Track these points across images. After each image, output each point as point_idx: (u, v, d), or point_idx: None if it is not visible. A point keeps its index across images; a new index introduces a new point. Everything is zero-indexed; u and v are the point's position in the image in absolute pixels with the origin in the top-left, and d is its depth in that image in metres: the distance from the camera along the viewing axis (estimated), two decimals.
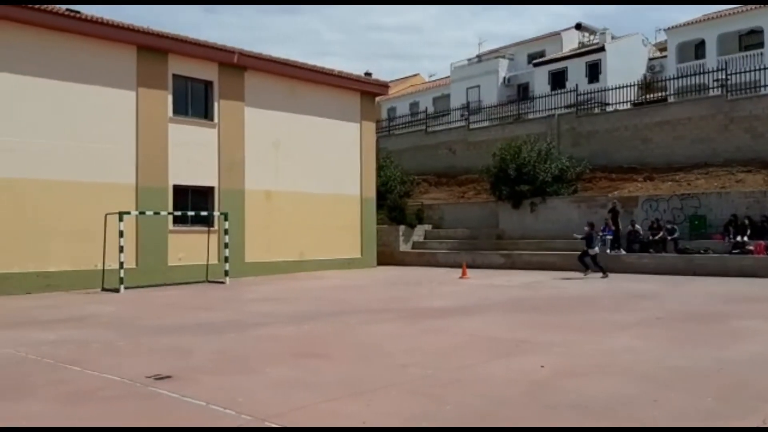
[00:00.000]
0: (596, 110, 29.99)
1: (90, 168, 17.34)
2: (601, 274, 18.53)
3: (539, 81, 37.06)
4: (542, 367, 6.96)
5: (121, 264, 16.49)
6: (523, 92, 38.36)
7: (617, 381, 6.38)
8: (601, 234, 21.16)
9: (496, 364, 7.31)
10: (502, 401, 5.70)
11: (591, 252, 18.87)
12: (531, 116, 32.01)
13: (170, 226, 19.07)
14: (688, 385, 6.19)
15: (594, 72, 34.88)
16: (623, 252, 21.14)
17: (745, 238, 19.31)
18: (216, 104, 20.35)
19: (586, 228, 19.15)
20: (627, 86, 28.35)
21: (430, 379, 6.61)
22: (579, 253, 19.25)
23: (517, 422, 5.08)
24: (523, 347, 8.19)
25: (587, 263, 18.93)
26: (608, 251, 21.04)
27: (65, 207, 16.77)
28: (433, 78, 50.15)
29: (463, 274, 19.51)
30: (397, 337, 9.19)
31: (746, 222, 19.69)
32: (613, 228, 21.32)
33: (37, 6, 16.33)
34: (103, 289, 16.75)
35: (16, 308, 13.04)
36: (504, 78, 39.51)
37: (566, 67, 36.31)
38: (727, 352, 7.77)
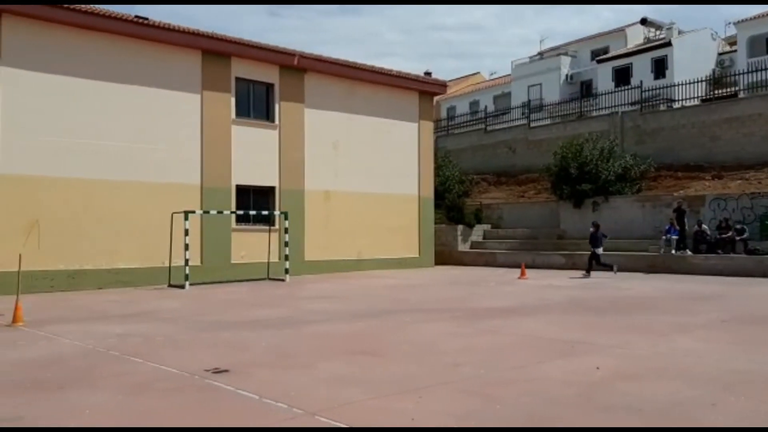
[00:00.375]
0: (662, 107, 29.07)
1: (158, 169, 17.97)
2: (611, 272, 19.36)
3: (603, 78, 36.19)
4: (598, 368, 6.84)
5: (186, 261, 17.03)
6: (585, 89, 37.57)
7: (675, 384, 6.21)
8: (666, 235, 20.55)
9: (551, 364, 7.21)
10: (555, 402, 5.63)
11: (597, 251, 19.30)
12: (594, 114, 31.31)
13: (233, 225, 19.57)
14: (749, 389, 5.96)
15: (660, 68, 33.81)
16: (689, 253, 20.44)
17: None
18: (277, 106, 20.76)
19: (592, 228, 19.64)
20: (695, 82, 27.40)
21: (482, 378, 6.59)
22: (641, 253, 18.91)
23: (568, 423, 5.02)
24: (579, 348, 8.06)
25: (603, 263, 19.43)
26: (673, 252, 20.39)
27: (135, 206, 17.44)
28: (493, 76, 49.68)
29: (522, 274, 19.28)
30: (452, 336, 9.18)
31: None
32: (678, 228, 20.65)
33: (108, 13, 17.03)
34: (170, 285, 17.34)
35: (87, 303, 13.65)
36: (566, 75, 38.79)
37: (631, 63, 35.33)
38: None
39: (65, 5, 16.30)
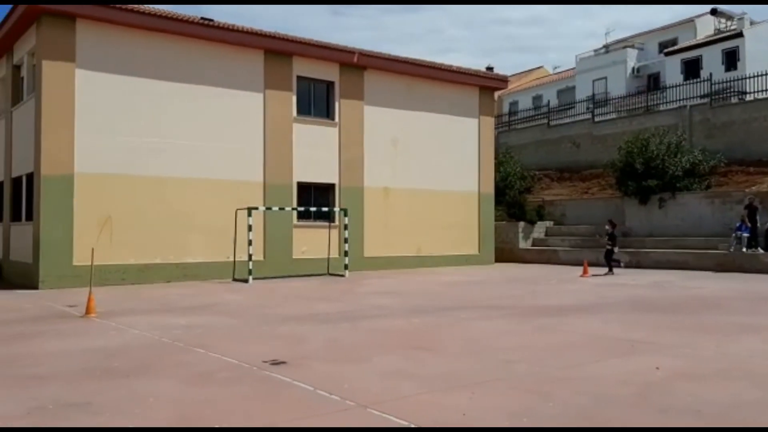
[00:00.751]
0: (733, 100, 27.91)
1: (223, 166, 18.47)
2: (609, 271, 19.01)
3: (671, 70, 35.02)
4: (657, 368, 6.68)
5: (250, 256, 17.48)
6: (653, 83, 36.42)
7: (738, 385, 6.02)
8: (736, 232, 19.76)
9: (608, 363, 7.09)
10: (611, 401, 5.55)
11: (615, 249, 19.23)
12: (661, 108, 30.32)
13: (294, 221, 19.94)
14: None
15: (731, 59, 32.46)
16: (761, 251, 19.58)
17: None
18: (337, 104, 21.01)
19: (608, 227, 19.40)
20: None
21: (537, 376, 6.54)
22: (710, 251, 18.29)
23: (623, 423, 4.94)
24: (640, 348, 7.88)
25: (614, 259, 19.32)
26: (744, 250, 19.59)
27: (201, 203, 17.99)
28: (557, 70, 48.75)
29: (585, 272, 18.92)
30: (508, 333, 9.13)
31: None
32: (749, 225, 19.81)
33: (175, 15, 17.60)
34: (234, 279, 17.83)
35: (156, 295, 14.20)
36: (632, 68, 37.71)
37: (700, 56, 34.05)
38: None
39: (135, 8, 16.92)
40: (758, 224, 19.95)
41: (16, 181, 18.55)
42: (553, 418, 5.08)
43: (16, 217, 18.55)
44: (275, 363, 7.05)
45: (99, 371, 6.75)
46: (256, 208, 18.16)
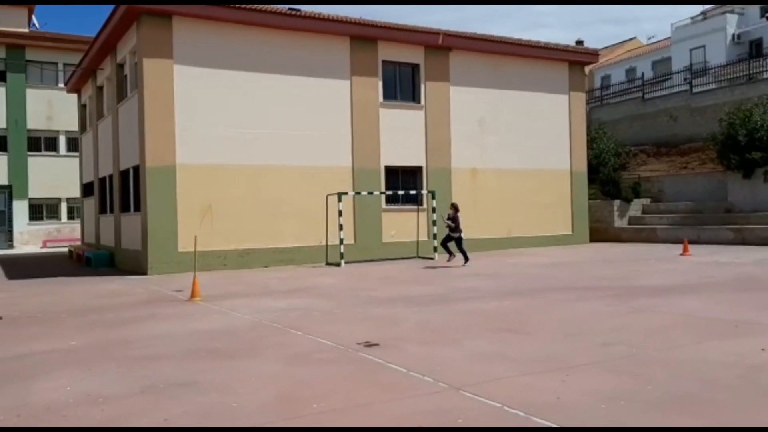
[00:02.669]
0: None
1: (313, 153, 18.90)
2: (463, 261, 16.56)
3: None
4: (763, 350, 6.39)
5: (341, 240, 17.86)
6: (755, 49, 34.11)
7: None
8: None
9: (711, 345, 6.83)
10: (712, 384, 5.36)
11: (453, 235, 16.70)
12: (765, 75, 28.39)
13: (383, 206, 20.16)
14: None
15: None
16: None
17: None
18: (422, 86, 20.98)
19: (450, 211, 17.05)
20: None
21: (635, 358, 6.39)
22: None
23: (726, 406, 4.78)
24: (744, 329, 7.54)
25: (450, 249, 16.89)
26: None
27: (294, 189, 18.51)
28: (651, 41, 46.54)
29: (685, 250, 18.13)
30: (604, 315, 8.94)
31: None
32: None
33: (264, 8, 18.06)
34: (327, 264, 18.29)
35: (255, 280, 14.78)
36: (733, 35, 35.42)
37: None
38: None
39: (229, 4, 17.52)
40: None
41: (124, 174, 19.71)
42: (653, 402, 4.97)
43: (125, 207, 19.74)
44: (369, 345, 7.23)
45: (204, 352, 7.15)
46: (346, 193, 18.49)
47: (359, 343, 7.30)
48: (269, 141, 18.25)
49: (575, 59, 24.14)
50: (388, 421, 4.69)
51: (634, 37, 49.86)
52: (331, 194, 18.56)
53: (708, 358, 6.24)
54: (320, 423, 4.69)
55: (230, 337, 7.99)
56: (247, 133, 17.94)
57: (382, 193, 19.73)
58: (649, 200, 25.99)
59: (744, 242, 20.42)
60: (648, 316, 8.71)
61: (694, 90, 29.88)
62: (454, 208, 17.18)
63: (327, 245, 18.58)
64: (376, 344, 7.24)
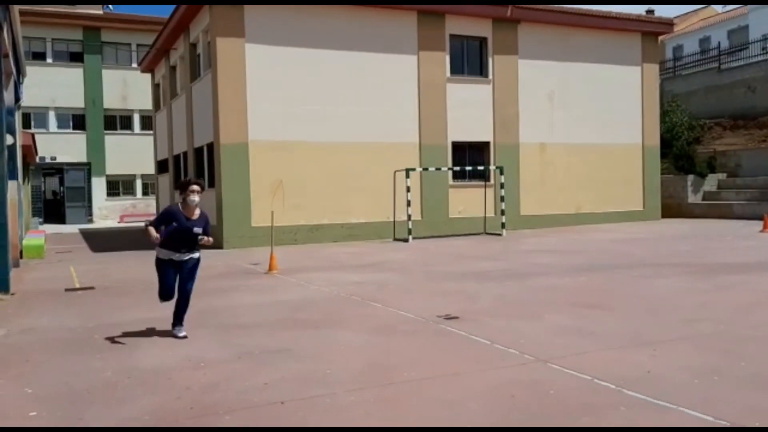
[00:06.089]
0: None
1: (380, 130, 18.97)
2: None
3: None
4: None
5: (409, 216, 17.97)
6: None
7: None
8: None
9: None
10: None
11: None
12: None
13: (450, 181, 20.12)
14: None
15: None
16: None
17: None
18: (490, 60, 20.71)
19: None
20: None
21: (723, 334, 6.29)
22: None
23: None
24: None
25: None
26: None
27: (362, 166, 18.65)
28: (727, 9, 44.39)
29: (765, 227, 17.46)
30: (685, 291, 8.77)
31: None
32: None
33: None
34: (395, 239, 18.46)
35: (326, 254, 15.08)
36: None
37: None
38: None
39: None
40: None
41: (198, 151, 20.29)
42: (747, 377, 4.91)
43: None
44: (449, 317, 7.33)
45: (291, 322, 7.40)
46: (413, 170, 18.54)
47: (439, 316, 7.41)
48: (337, 117, 18.43)
49: (648, 30, 23.33)
50: (482, 389, 4.79)
51: (708, 6, 47.66)
52: (398, 170, 18.66)
53: None
54: (412, 390, 4.83)
55: (313, 307, 8.23)
56: (316, 110, 18.16)
57: (449, 169, 19.69)
58: (725, 175, 25.05)
59: None
60: (732, 293, 8.50)
61: None
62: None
63: (394, 221, 18.72)
64: (456, 317, 7.33)
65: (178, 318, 6.72)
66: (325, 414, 4.39)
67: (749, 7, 36.86)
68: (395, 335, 6.63)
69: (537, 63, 21.27)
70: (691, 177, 24.64)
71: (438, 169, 19.16)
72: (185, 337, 6.56)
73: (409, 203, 17.98)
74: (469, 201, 20.34)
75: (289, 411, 4.46)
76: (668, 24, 24.37)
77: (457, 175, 20.23)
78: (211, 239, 6.70)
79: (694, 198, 24.57)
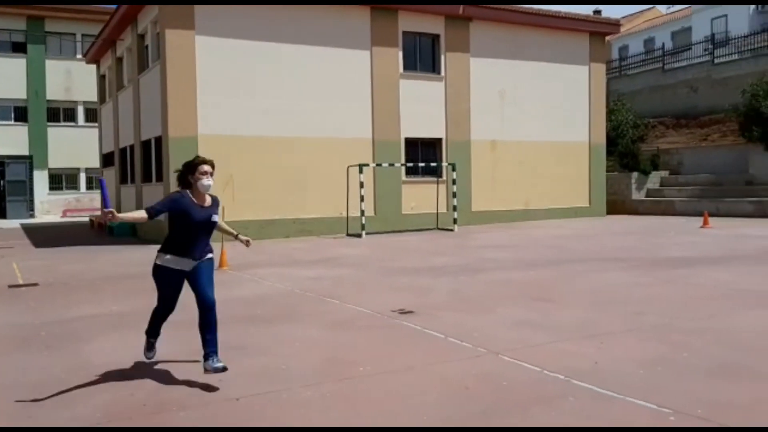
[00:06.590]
0: None
1: (333, 125, 18.94)
2: None
3: None
4: None
5: (362, 212, 18.01)
6: None
7: None
8: None
9: (743, 315, 6.95)
10: (748, 351, 5.50)
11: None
12: None
13: (403, 177, 20.25)
14: None
15: None
16: None
17: None
18: (443, 57, 20.89)
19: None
20: None
21: (668, 327, 6.52)
22: None
23: (765, 372, 4.91)
24: None
25: None
26: None
27: (315, 161, 18.59)
28: (671, 10, 45.81)
29: (705, 223, 18.14)
30: (631, 285, 9.05)
31: None
32: None
33: None
34: (348, 234, 18.47)
35: (278, 250, 14.99)
36: (757, 5, 34.84)
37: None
38: None
39: None
40: None
41: (146, 144, 19.87)
42: (691, 368, 5.11)
43: (146, 177, 19.95)
44: (404, 312, 7.40)
45: (245, 318, 7.35)
46: (367, 165, 18.59)
47: (394, 311, 7.47)
48: (290, 112, 18.32)
49: (596, 30, 23.90)
50: (437, 382, 4.87)
51: (653, 7, 49.09)
52: (351, 166, 18.67)
53: (742, 328, 6.36)
54: (368, 384, 4.87)
55: (267, 304, 8.19)
56: (267, 104, 18.00)
57: (402, 164, 19.81)
58: (667, 173, 25.91)
59: (765, 215, 20.38)
60: (677, 287, 8.82)
61: (716, 60, 29.53)
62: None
63: (347, 216, 18.73)
64: (411, 312, 7.41)
65: (212, 343, 4.94)
66: (281, 409, 4.40)
67: (692, 8, 38.14)
68: (351, 330, 6.66)
69: (488, 61, 21.56)
70: (635, 174, 25.39)
71: (391, 164, 19.25)
72: (225, 369, 4.85)
73: (362, 199, 18.01)
74: (421, 197, 20.50)
75: (245, 407, 4.45)
76: (615, 24, 25.02)
77: (410, 171, 20.37)
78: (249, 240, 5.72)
79: (638, 195, 25.32)
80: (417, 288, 9.16)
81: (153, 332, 5.41)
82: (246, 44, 17.73)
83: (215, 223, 5.22)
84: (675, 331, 6.28)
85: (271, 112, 18.04)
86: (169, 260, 5.06)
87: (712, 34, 32.85)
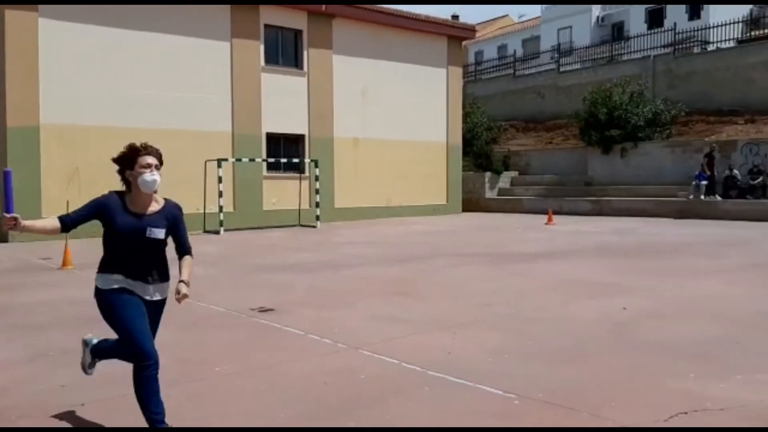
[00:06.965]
0: (696, 50, 28.46)
1: (191, 117, 18.26)
2: None
3: (635, 20, 35.37)
4: (625, 308, 7.13)
5: (221, 208, 17.52)
6: (617, 32, 36.78)
7: (701, 323, 6.49)
8: (696, 180, 20.48)
9: (580, 305, 7.52)
10: (585, 339, 5.95)
11: None
12: (625, 58, 30.76)
13: (264, 173, 19.94)
14: None
15: (695, 9, 32.91)
16: (719, 198, 20.39)
17: None
18: (305, 53, 20.80)
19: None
20: (731, 23, 26.69)
21: (514, 317, 6.92)
22: (670, 199, 18.80)
23: (599, 358, 5.33)
24: (608, 290, 8.34)
25: None
26: (702, 197, 20.35)
27: (170, 154, 17.63)
28: (522, 19, 48.74)
29: (549, 220, 19.46)
30: (483, 279, 9.52)
31: None
32: (708, 173, 20.55)
33: None
34: (205, 231, 17.89)
35: None
36: (597, 17, 37.96)
37: (665, 5, 34.40)
38: None
39: None
40: (716, 173, 20.69)
41: None
42: (532, 354, 5.46)
43: None
44: (263, 310, 7.29)
45: (92, 320, 6.82)
46: (226, 160, 18.11)
47: (253, 309, 7.34)
48: (143, 102, 17.43)
49: (453, 34, 24.85)
50: (296, 378, 4.84)
51: (507, 15, 51.96)
52: (210, 160, 18.10)
53: (579, 316, 6.89)
54: (225, 384, 4.75)
55: None
56: (120, 93, 17.03)
57: (263, 160, 19.50)
58: (517, 173, 27.52)
59: (601, 213, 22.23)
60: (523, 280, 9.38)
61: (561, 69, 31.78)
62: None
63: (205, 213, 18.14)
64: (271, 309, 7.31)
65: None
66: (130, 413, 4.16)
67: (541, 18, 40.75)
68: (207, 330, 6.46)
69: (352, 59, 21.74)
70: (488, 174, 26.73)
71: (252, 159, 18.89)
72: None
73: (220, 194, 17.53)
74: (283, 193, 20.31)
75: (92, 412, 4.19)
76: (471, 30, 26.17)
77: (271, 167, 20.10)
78: (184, 290, 3.84)
79: (491, 193, 26.68)
80: (277, 285, 9.06)
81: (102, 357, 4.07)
82: (97, 30, 16.67)
83: (157, 241, 3.71)
84: (521, 321, 6.68)
85: (124, 102, 17.08)
86: (107, 279, 3.71)
87: (558, 44, 35.35)
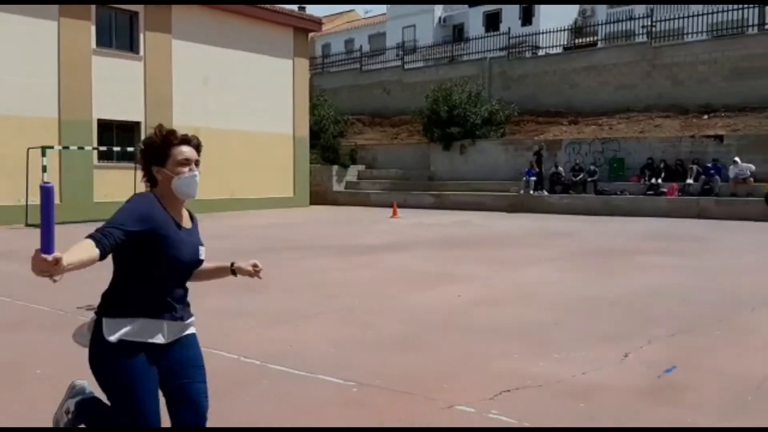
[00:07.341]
0: (527, 54, 30.50)
1: (10, 101, 16.65)
2: None
3: (474, 22, 37.20)
4: (459, 296, 7.48)
5: None
6: (458, 33, 38.48)
7: (527, 308, 6.96)
8: (525, 176, 21.99)
9: (420, 294, 7.77)
10: (423, 326, 6.15)
11: None
12: (465, 58, 32.29)
13: (95, 162, 18.65)
14: (589, 311, 6.80)
15: (527, 15, 35.25)
16: (545, 193, 22.06)
17: (659, 181, 20.47)
18: (141, 36, 19.69)
19: None
20: (557, 31, 28.89)
21: (358, 307, 7.01)
22: (504, 194, 20.00)
23: (435, 344, 5.53)
24: (445, 279, 8.70)
25: None
26: (531, 192, 21.91)
27: None
28: (368, 15, 49.53)
29: (394, 213, 19.98)
30: (329, 271, 9.55)
31: (661, 165, 20.84)
32: (537, 170, 22.16)
33: None
34: (27, 225, 16.39)
35: None
36: (440, 18, 39.45)
37: (501, 9, 36.51)
38: (629, 283, 8.49)
39: None
40: (543, 170, 22.37)
41: None
42: (374, 343, 5.55)
43: None
44: (91, 308, 6.76)
45: None
46: (51, 147, 16.70)
47: (80, 307, 6.80)
48: None
49: (300, 25, 24.71)
50: None
51: (353, 10, 52.50)
52: (33, 148, 16.58)
53: (417, 305, 7.12)
54: (48, 387, 4.36)
55: None
56: None
57: (94, 148, 18.21)
58: (364, 167, 27.98)
59: (442, 206, 23.20)
60: (367, 271, 9.54)
61: (406, 66, 32.69)
62: None
63: (27, 205, 16.61)
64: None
65: None
66: None
67: (387, 15, 41.63)
68: (31, 331, 5.94)
69: (193, 45, 20.92)
70: (335, 167, 26.92)
71: (81, 148, 17.56)
72: None
73: None
74: (117, 183, 19.03)
75: None
76: (317, 23, 26.17)
77: (103, 156, 18.82)
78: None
79: (338, 187, 26.91)
80: (108, 280, 8.47)
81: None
82: None
83: (202, 261, 2.85)
84: (363, 312, 6.78)
85: None
86: (123, 329, 2.57)
87: (403, 42, 36.32)
